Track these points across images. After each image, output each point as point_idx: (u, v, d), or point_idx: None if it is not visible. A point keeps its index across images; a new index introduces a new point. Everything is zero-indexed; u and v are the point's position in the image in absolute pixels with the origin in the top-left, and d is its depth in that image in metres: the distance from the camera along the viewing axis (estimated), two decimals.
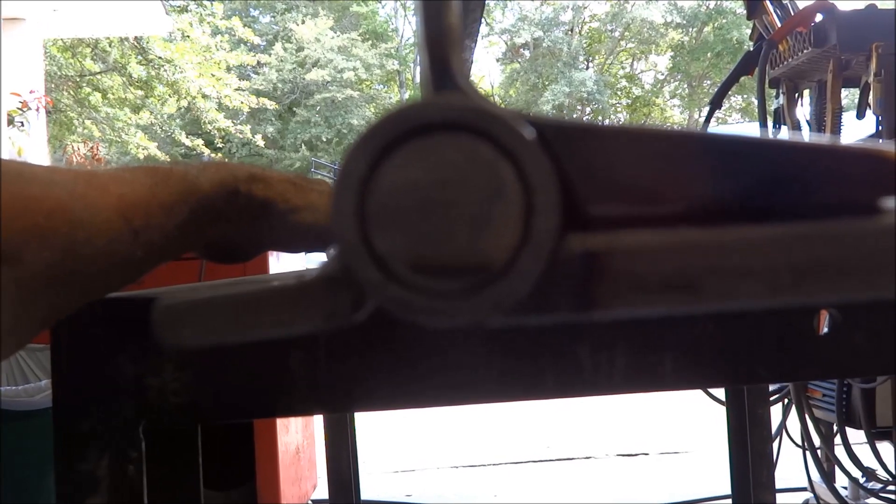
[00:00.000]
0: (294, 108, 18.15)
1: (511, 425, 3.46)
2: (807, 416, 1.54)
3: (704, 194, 0.13)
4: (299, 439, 1.98)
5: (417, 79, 20.29)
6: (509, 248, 0.11)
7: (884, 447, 1.54)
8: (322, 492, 2.27)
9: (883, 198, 0.16)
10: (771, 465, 1.13)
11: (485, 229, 0.11)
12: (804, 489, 2.02)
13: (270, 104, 12.26)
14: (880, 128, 1.33)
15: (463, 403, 0.37)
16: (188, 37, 10.11)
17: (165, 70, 10.08)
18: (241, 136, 11.88)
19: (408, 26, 20.86)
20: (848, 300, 0.12)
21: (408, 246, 0.10)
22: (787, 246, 0.12)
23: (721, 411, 1.41)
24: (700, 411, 2.80)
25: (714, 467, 2.73)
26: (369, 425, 2.52)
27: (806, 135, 1.43)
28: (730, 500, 1.22)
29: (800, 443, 1.63)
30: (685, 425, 3.35)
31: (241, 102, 10.50)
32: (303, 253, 0.58)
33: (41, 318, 0.35)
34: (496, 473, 3.00)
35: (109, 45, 10.20)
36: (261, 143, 13.18)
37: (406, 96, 20.14)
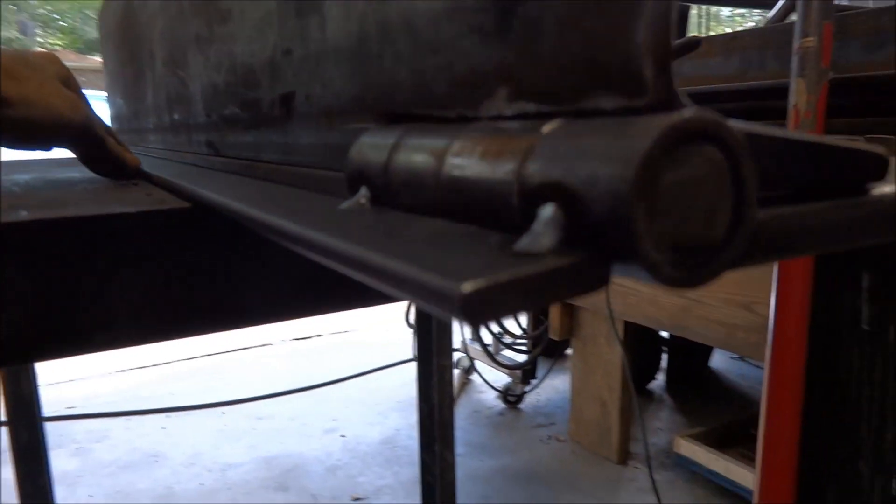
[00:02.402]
0: None
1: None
2: None
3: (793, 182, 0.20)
4: None
5: None
6: (727, 230, 0.17)
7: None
8: None
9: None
10: (450, 335, 1.37)
11: (713, 216, 0.17)
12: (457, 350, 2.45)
13: None
14: None
15: None
16: None
17: None
18: None
19: None
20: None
21: (671, 232, 0.15)
22: (831, 212, 0.19)
23: None
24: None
25: (389, 341, 3.03)
26: None
27: None
28: (414, 363, 1.44)
29: None
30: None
31: None
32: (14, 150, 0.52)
33: None
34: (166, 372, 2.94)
35: None
36: None
37: None
